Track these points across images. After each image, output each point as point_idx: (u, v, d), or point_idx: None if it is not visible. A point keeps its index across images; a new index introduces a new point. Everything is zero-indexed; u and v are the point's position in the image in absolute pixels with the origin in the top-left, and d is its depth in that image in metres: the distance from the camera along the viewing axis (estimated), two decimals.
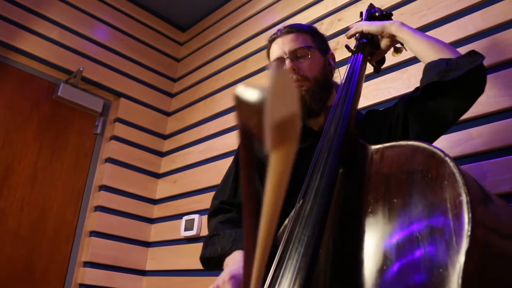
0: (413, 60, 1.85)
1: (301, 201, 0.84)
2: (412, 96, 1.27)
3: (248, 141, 0.33)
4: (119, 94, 3.09)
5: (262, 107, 0.27)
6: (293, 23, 1.46)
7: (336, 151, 0.87)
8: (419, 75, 1.79)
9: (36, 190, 2.65)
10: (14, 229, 2.51)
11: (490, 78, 1.58)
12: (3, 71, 2.66)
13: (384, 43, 1.37)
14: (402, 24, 1.32)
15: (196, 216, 2.62)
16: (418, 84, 1.77)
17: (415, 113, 1.23)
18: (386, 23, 1.33)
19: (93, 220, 2.78)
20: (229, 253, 1.19)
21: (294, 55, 1.34)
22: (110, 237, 2.79)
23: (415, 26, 1.90)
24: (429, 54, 1.22)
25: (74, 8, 2.96)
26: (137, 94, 3.17)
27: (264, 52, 2.64)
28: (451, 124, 1.21)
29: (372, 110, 1.44)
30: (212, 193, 2.54)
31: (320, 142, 0.98)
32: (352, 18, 2.22)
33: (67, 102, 2.86)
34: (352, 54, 1.36)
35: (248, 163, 0.35)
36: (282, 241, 0.79)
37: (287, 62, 1.32)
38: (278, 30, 1.42)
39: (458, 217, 0.61)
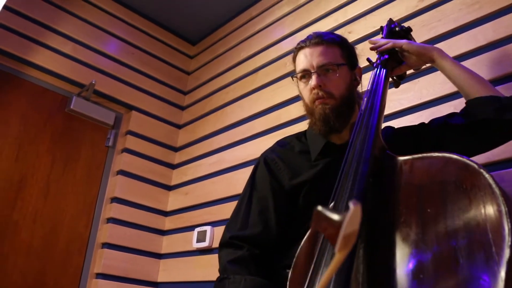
0: (424, 72, 1.87)
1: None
2: (450, 123, 1.31)
3: (315, 238, 0.50)
4: (130, 107, 3.12)
5: (339, 224, 0.41)
6: (323, 32, 1.40)
7: (365, 161, 0.87)
8: (430, 86, 1.83)
9: (49, 202, 2.67)
10: (27, 242, 2.53)
11: (501, 88, 1.60)
12: (17, 85, 2.70)
13: (413, 62, 1.38)
14: (442, 51, 1.34)
15: (208, 228, 2.63)
16: (430, 96, 1.81)
17: (454, 139, 1.27)
18: (428, 46, 1.35)
19: (105, 232, 2.79)
20: None
21: (322, 70, 1.31)
22: (122, 249, 2.80)
23: (425, 38, 1.93)
24: (471, 86, 1.27)
25: (86, 23, 3.00)
26: (148, 107, 3.21)
27: (274, 65, 2.71)
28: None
29: (393, 127, 1.46)
30: (223, 205, 2.61)
31: (346, 153, 0.98)
32: (362, 31, 2.24)
33: (80, 115, 2.90)
34: (374, 67, 1.36)
35: (311, 254, 0.52)
36: (315, 251, 0.79)
37: (314, 77, 1.30)
38: (307, 37, 1.38)
39: (497, 228, 0.62)
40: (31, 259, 2.53)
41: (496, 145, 1.28)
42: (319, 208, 0.47)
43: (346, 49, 1.38)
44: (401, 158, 0.88)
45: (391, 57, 1.39)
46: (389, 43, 1.36)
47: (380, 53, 1.39)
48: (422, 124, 1.43)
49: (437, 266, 0.67)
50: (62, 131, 2.83)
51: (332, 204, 0.89)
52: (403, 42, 1.35)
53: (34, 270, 2.52)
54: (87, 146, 2.93)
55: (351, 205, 0.43)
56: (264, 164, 1.42)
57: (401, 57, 1.40)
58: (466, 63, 1.74)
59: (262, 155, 1.48)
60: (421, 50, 1.33)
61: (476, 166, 0.72)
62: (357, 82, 1.41)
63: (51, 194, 2.69)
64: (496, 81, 1.64)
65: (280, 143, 1.49)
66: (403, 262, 0.73)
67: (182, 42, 3.61)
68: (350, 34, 2.32)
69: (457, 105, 1.71)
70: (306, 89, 1.34)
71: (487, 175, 0.69)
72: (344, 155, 1.26)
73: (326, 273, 0.44)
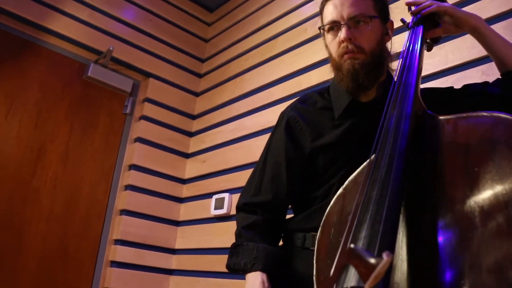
0: (450, 37, 1.80)
1: (371, 167, 0.81)
2: (489, 91, 1.27)
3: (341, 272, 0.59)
4: (148, 74, 3.10)
5: (372, 266, 0.49)
6: None
7: (407, 118, 0.84)
8: (456, 51, 1.78)
9: (68, 169, 2.69)
10: (48, 208, 2.56)
11: None
12: (35, 52, 2.69)
13: (451, 28, 1.31)
14: (484, 22, 1.29)
15: (226, 195, 2.63)
16: (456, 61, 1.76)
17: (493, 108, 1.23)
18: (472, 14, 1.28)
19: (124, 199, 2.81)
20: (250, 270, 1.21)
21: (352, 22, 1.21)
22: (140, 216, 2.83)
23: (456, 0, 1.85)
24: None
25: None
26: (165, 74, 3.18)
27: (295, 30, 2.65)
28: None
29: (425, 88, 1.40)
30: (242, 172, 2.60)
31: (385, 110, 0.94)
32: None
33: (97, 82, 2.88)
34: (408, 27, 1.30)
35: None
36: (357, 205, 0.76)
37: (344, 30, 1.21)
38: None
39: None
40: (52, 224, 2.56)
41: None
42: (353, 246, 0.53)
43: (379, 0, 1.29)
44: (443, 117, 0.85)
45: (427, 19, 1.31)
46: (434, 5, 1.25)
47: (418, 15, 1.31)
48: (452, 88, 1.37)
49: (487, 226, 0.65)
50: (80, 98, 2.82)
51: (373, 157, 0.85)
52: (447, 5, 1.26)
53: (55, 236, 2.56)
54: (105, 113, 2.92)
55: (385, 256, 0.48)
56: (284, 125, 1.38)
57: (438, 21, 1.33)
58: (498, 26, 1.68)
59: (282, 113, 1.43)
60: (465, 17, 1.26)
61: None
62: (389, 37, 1.32)
63: (70, 161, 2.70)
64: None
65: (301, 99, 1.43)
66: (448, 222, 0.71)
67: (200, 9, 3.55)
68: None
69: (485, 70, 1.65)
70: (334, 42, 1.25)
71: None
72: (370, 114, 1.24)
73: None
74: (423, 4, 1.26)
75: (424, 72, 1.86)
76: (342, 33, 1.21)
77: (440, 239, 0.70)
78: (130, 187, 2.84)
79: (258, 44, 2.94)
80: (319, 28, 1.32)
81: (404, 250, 0.74)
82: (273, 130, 1.44)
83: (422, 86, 1.81)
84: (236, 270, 1.27)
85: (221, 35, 3.37)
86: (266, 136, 1.76)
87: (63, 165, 2.67)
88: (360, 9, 1.22)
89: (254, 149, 2.57)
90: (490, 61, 1.64)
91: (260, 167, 1.40)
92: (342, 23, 1.22)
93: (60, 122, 2.71)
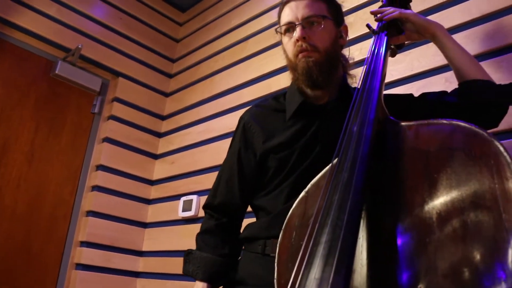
0: (416, 44, 1.84)
1: (333, 171, 0.83)
2: (446, 101, 1.30)
3: None
4: (117, 74, 3.06)
5: None
6: None
7: (370, 123, 0.86)
8: (422, 58, 1.81)
9: (33, 168, 2.63)
10: (11, 207, 2.50)
11: (494, 61, 1.58)
12: (0, 47, 2.62)
13: (413, 35, 1.37)
14: (445, 29, 1.35)
15: (194, 197, 2.62)
16: (421, 68, 1.79)
17: (449, 116, 1.27)
18: (433, 22, 1.34)
19: (90, 200, 2.77)
20: (195, 277, 1.34)
21: (306, 22, 1.27)
22: (107, 217, 2.79)
23: (418, 9, 1.89)
24: (468, 68, 1.29)
25: None
26: (135, 73, 3.15)
27: (265, 33, 2.66)
28: None
29: (388, 94, 1.43)
30: (210, 174, 2.59)
31: (348, 114, 0.96)
32: (356, 0, 2.19)
33: (65, 80, 2.83)
34: (374, 33, 1.34)
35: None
36: (318, 209, 0.78)
37: (298, 29, 1.26)
38: None
39: (508, 195, 0.63)
40: (15, 224, 2.50)
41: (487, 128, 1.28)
42: None
43: (333, 5, 1.36)
44: (405, 123, 0.88)
45: (392, 26, 1.36)
46: (396, 11, 1.33)
47: (382, 21, 1.37)
48: (412, 95, 1.41)
49: (444, 231, 0.67)
50: (47, 96, 2.76)
51: (336, 160, 0.87)
52: (410, 12, 1.34)
53: (18, 236, 2.50)
54: (73, 112, 2.87)
55: None
56: (241, 130, 1.45)
57: (402, 28, 1.37)
58: (459, 35, 1.72)
59: (240, 117, 1.49)
60: (425, 24, 1.32)
61: (485, 134, 0.72)
62: (343, 40, 1.38)
63: (36, 160, 2.64)
64: (488, 55, 1.62)
65: (257, 104, 1.51)
66: (408, 227, 0.72)
67: (171, 9, 3.53)
68: (344, 3, 2.24)
69: (448, 77, 1.69)
70: (290, 42, 1.31)
71: (497, 143, 0.69)
72: (322, 116, 1.30)
73: None
74: (388, 11, 1.34)
75: (389, 78, 1.90)
76: (297, 32, 1.27)
77: (399, 243, 0.72)
78: (97, 188, 2.80)
79: (229, 45, 2.94)
80: (276, 30, 1.37)
81: (364, 255, 0.75)
82: (233, 136, 1.51)
83: (386, 92, 1.85)
84: (189, 276, 1.37)
85: (192, 36, 3.36)
86: None
87: (28, 164, 2.61)
88: (313, 10, 1.29)
89: (222, 151, 2.53)
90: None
91: (220, 171, 1.50)
92: (296, 23, 1.27)
93: (25, 120, 2.64)
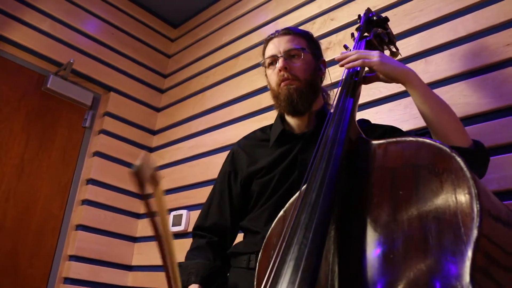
0: (405, 60, 1.88)
1: (304, 191, 0.85)
2: None
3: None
4: (109, 88, 3.07)
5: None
6: (291, 26, 1.55)
7: (340, 143, 0.89)
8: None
9: (23, 182, 2.62)
10: None
11: (480, 79, 1.62)
12: None
13: (382, 78, 1.27)
14: (417, 78, 1.22)
15: (184, 212, 2.62)
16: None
17: None
18: (401, 71, 1.22)
19: (80, 214, 2.76)
20: (188, 285, 1.33)
21: (288, 55, 1.40)
22: (97, 231, 2.78)
23: (406, 27, 1.93)
24: (438, 128, 1.18)
25: (65, 0, 2.94)
26: (127, 88, 3.16)
27: (256, 50, 2.69)
28: None
29: (361, 119, 1.50)
30: (201, 189, 2.60)
31: (321, 134, 1.00)
32: (345, 18, 2.24)
33: (56, 95, 2.84)
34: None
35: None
36: (286, 229, 0.80)
37: (280, 60, 1.38)
38: (276, 31, 1.50)
39: (467, 209, 0.64)
40: (3, 238, 2.48)
41: None
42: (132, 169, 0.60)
43: (312, 42, 1.49)
44: (375, 142, 0.90)
45: (369, 45, 1.42)
46: (359, 60, 1.22)
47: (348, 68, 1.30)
48: (393, 127, 1.42)
49: (407, 246, 0.69)
50: (38, 110, 2.77)
51: (304, 186, 0.90)
52: (374, 61, 1.21)
53: (5, 250, 2.48)
54: (64, 126, 2.88)
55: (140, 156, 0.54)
56: (230, 157, 1.58)
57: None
58: (445, 54, 1.76)
59: (232, 148, 1.62)
60: (392, 74, 1.21)
61: (448, 150, 0.74)
62: (322, 72, 1.50)
63: (25, 173, 2.64)
64: (474, 73, 1.66)
65: (246, 136, 1.64)
66: (374, 243, 0.74)
67: (164, 25, 3.56)
68: (333, 21, 2.31)
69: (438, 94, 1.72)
70: (273, 74, 1.42)
71: (458, 159, 0.71)
72: (302, 143, 1.38)
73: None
74: (349, 58, 1.24)
75: (378, 95, 1.93)
76: (279, 63, 1.38)
77: (366, 259, 0.73)
78: (87, 202, 2.79)
79: (220, 62, 2.97)
80: (261, 64, 1.50)
81: (335, 270, 0.77)
82: (224, 162, 1.62)
83: (375, 109, 1.89)
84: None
85: (184, 51, 3.39)
86: (225, 154, 1.80)
87: (17, 177, 2.60)
88: (293, 44, 1.42)
89: (213, 166, 2.58)
90: (440, 85, 1.73)
91: (210, 195, 1.58)
92: (279, 55, 1.39)
93: (16, 133, 2.64)
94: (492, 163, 1.47)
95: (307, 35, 1.50)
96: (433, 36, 1.83)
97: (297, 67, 1.39)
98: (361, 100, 1.97)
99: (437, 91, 1.71)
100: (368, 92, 1.96)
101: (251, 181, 1.45)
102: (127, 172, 2.99)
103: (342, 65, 1.26)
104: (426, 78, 1.78)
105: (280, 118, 1.50)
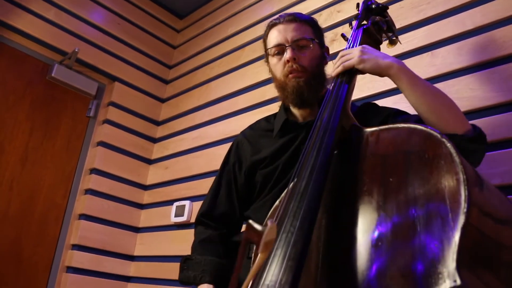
0: (411, 54, 1.86)
1: (295, 179, 0.85)
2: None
3: (247, 245, 0.62)
4: (113, 78, 3.07)
5: (261, 234, 0.56)
6: (296, 12, 1.46)
7: (331, 131, 0.89)
8: (416, 67, 1.82)
9: (27, 170, 2.63)
10: (3, 209, 2.49)
11: (487, 73, 1.60)
12: None
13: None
14: (401, 69, 1.17)
15: (187, 202, 2.62)
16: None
17: None
18: (384, 64, 1.17)
19: (83, 203, 2.76)
20: (199, 283, 1.29)
21: (296, 45, 1.34)
22: (100, 221, 2.78)
23: (413, 20, 1.91)
24: (427, 116, 1.13)
25: None
26: (132, 79, 3.16)
27: (261, 41, 2.65)
28: None
29: (367, 102, 1.47)
30: (204, 180, 2.60)
31: (314, 123, 1.00)
32: (351, 10, 2.22)
33: (61, 84, 2.84)
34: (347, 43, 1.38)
35: (242, 254, 0.63)
36: (275, 215, 0.80)
37: (289, 51, 1.33)
38: (279, 16, 1.43)
39: (455, 195, 0.63)
40: (6, 227, 2.49)
41: None
42: (250, 221, 0.58)
43: (317, 29, 1.44)
44: (368, 129, 0.89)
45: (366, 33, 1.40)
46: (340, 66, 1.22)
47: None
48: (393, 110, 1.38)
49: (396, 233, 0.68)
50: (43, 99, 2.77)
51: (296, 172, 0.89)
52: (353, 61, 1.19)
53: (9, 238, 2.49)
54: (68, 115, 2.88)
55: (269, 223, 0.53)
56: (234, 147, 1.55)
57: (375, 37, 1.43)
58: (452, 47, 1.74)
59: (235, 139, 1.60)
60: (373, 70, 1.19)
61: (438, 135, 0.73)
62: (326, 60, 1.45)
63: (29, 162, 2.64)
64: (480, 66, 1.64)
65: (250, 126, 1.61)
66: (363, 231, 0.73)
67: (170, 16, 3.55)
68: (340, 13, 2.30)
69: (441, 88, 1.66)
70: (279, 63, 1.37)
71: (448, 144, 0.70)
72: (306, 133, 1.30)
73: (252, 269, 0.58)
74: (335, 64, 1.25)
75: (383, 88, 1.91)
76: (288, 54, 1.32)
77: (355, 247, 0.73)
78: (90, 191, 2.80)
79: (225, 53, 2.96)
80: (266, 51, 1.45)
81: (325, 259, 0.77)
82: (227, 152, 1.59)
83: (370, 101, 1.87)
84: (187, 283, 1.35)
85: (189, 42, 3.38)
86: (228, 145, 1.79)
87: (21, 166, 2.61)
88: (302, 33, 1.36)
89: (217, 158, 2.57)
90: (446, 79, 1.71)
91: (215, 185, 1.54)
92: (286, 45, 1.34)
93: (20, 122, 2.65)
94: (496, 157, 1.47)
95: (312, 22, 1.44)
96: (440, 29, 1.81)
97: (305, 58, 1.34)
98: (366, 93, 1.97)
99: (443, 84, 1.70)
100: (373, 84, 1.94)
101: (254, 171, 1.43)
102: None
103: (333, 74, 1.25)
104: (433, 71, 1.77)
105: (284, 107, 1.46)
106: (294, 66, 1.32)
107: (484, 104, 1.57)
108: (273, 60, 1.40)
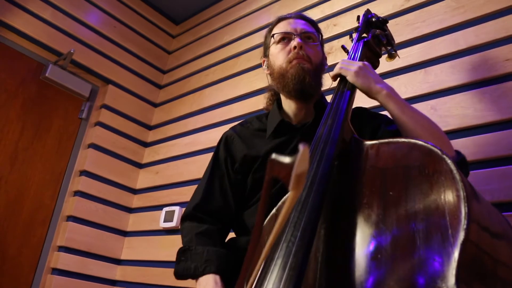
0: (405, 70, 1.89)
1: None
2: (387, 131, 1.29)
3: (271, 183, 0.51)
4: (107, 81, 3.07)
5: (291, 165, 0.45)
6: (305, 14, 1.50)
7: (333, 143, 0.90)
8: (410, 83, 1.86)
9: (16, 170, 2.61)
10: None
11: (478, 92, 1.63)
12: None
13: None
14: (389, 95, 1.19)
15: (176, 208, 2.62)
16: (408, 94, 1.84)
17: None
18: (375, 86, 1.20)
19: (71, 205, 2.75)
20: (202, 274, 1.21)
21: (304, 36, 1.38)
22: (87, 223, 2.77)
23: (408, 37, 1.95)
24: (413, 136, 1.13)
25: None
26: (125, 82, 3.16)
27: (257, 51, 2.70)
28: None
29: (358, 107, 1.45)
30: (194, 186, 2.56)
31: (316, 134, 1.00)
32: (348, 24, 2.25)
33: (54, 84, 2.83)
34: (347, 55, 1.40)
35: (266, 197, 0.54)
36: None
37: (297, 38, 1.34)
38: (289, 14, 1.47)
39: (455, 211, 0.64)
40: None
41: None
42: (273, 156, 0.49)
43: (321, 35, 1.49)
44: (368, 142, 0.90)
45: (366, 46, 1.42)
46: (338, 70, 1.26)
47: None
48: (381, 119, 1.38)
49: (395, 247, 0.69)
50: (35, 98, 2.76)
51: None
52: (349, 71, 1.22)
53: None
54: (60, 116, 2.87)
55: (300, 147, 0.44)
56: (223, 141, 1.49)
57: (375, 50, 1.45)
58: (445, 65, 1.78)
59: (223, 133, 1.54)
60: (366, 89, 1.21)
61: (439, 152, 0.74)
62: (324, 67, 1.45)
63: (19, 161, 2.63)
64: (472, 85, 1.67)
65: (241, 123, 1.55)
66: (362, 243, 0.74)
67: (166, 21, 3.57)
68: (336, 26, 2.33)
69: (433, 105, 1.74)
70: (283, 51, 1.37)
71: (449, 161, 0.71)
72: (300, 135, 1.33)
73: (283, 211, 0.48)
74: (336, 67, 1.28)
75: (376, 102, 1.93)
76: (296, 41, 1.33)
77: (354, 259, 0.73)
78: (80, 193, 2.78)
79: (220, 61, 2.98)
80: (272, 35, 1.43)
81: (323, 272, 0.77)
82: (216, 147, 1.53)
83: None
84: (185, 276, 1.27)
85: (184, 49, 3.39)
86: None
87: (10, 165, 2.59)
88: (311, 29, 1.40)
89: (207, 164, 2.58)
90: (439, 96, 1.75)
91: (206, 180, 1.46)
92: (295, 34, 1.36)
93: (11, 121, 2.63)
94: (486, 175, 1.50)
95: (318, 28, 1.49)
96: (434, 47, 1.84)
97: (311, 50, 1.36)
98: (371, 103, 1.99)
99: (435, 101, 1.74)
100: (366, 98, 1.96)
101: (246, 170, 1.38)
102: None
103: (330, 75, 1.30)
104: (426, 88, 1.80)
105: (278, 106, 1.44)
106: (301, 53, 1.32)
107: (475, 122, 1.60)
108: (276, 48, 1.40)
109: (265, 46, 1.49)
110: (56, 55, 2.83)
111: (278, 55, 1.37)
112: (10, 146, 2.60)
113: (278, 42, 1.39)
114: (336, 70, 1.26)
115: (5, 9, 2.61)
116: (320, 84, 1.38)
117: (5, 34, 2.66)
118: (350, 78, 1.21)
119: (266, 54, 1.48)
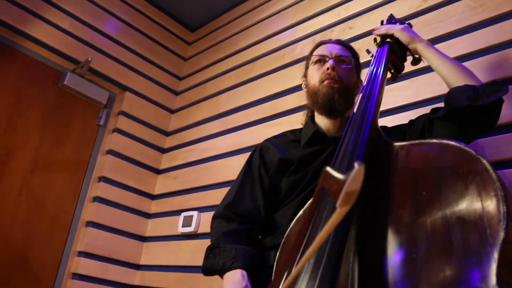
0: (423, 71, 1.88)
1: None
2: (432, 117, 1.34)
3: (320, 195, 0.53)
4: (124, 88, 3.10)
5: (343, 182, 0.43)
6: (343, 40, 1.63)
7: (362, 144, 0.90)
8: (428, 85, 1.85)
9: (36, 176, 2.65)
10: (12, 214, 2.51)
11: None
12: (12, 56, 2.67)
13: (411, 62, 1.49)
14: (429, 44, 1.42)
15: (195, 213, 2.63)
16: (427, 94, 1.83)
17: (437, 131, 1.31)
18: (416, 37, 1.43)
19: (91, 211, 2.78)
20: (230, 269, 1.25)
21: (338, 60, 1.48)
22: (107, 229, 2.79)
23: (426, 38, 1.92)
24: (452, 76, 1.33)
25: (87, 0, 2.98)
26: (142, 89, 3.19)
27: (273, 55, 2.72)
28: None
29: (387, 127, 1.53)
30: (212, 191, 2.61)
31: (343, 135, 1.01)
32: (363, 27, 2.25)
33: (73, 92, 2.87)
34: (371, 57, 1.43)
35: (313, 208, 0.57)
36: (307, 230, 0.80)
37: (331, 60, 1.46)
38: (328, 39, 1.63)
39: (493, 211, 0.64)
40: (15, 232, 2.50)
41: (473, 134, 1.29)
42: (328, 168, 0.50)
43: (357, 60, 1.58)
44: (398, 144, 0.90)
45: (391, 49, 1.44)
46: (382, 28, 1.51)
47: (377, 45, 1.52)
48: (410, 121, 1.49)
49: (430, 248, 0.68)
50: (54, 106, 2.80)
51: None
52: (396, 29, 1.46)
53: (17, 243, 2.50)
54: (78, 123, 2.90)
55: (356, 165, 0.43)
56: (258, 150, 1.58)
57: (397, 50, 1.49)
58: (465, 65, 1.76)
59: (258, 144, 1.63)
60: (409, 39, 1.43)
61: (473, 152, 0.74)
62: (358, 89, 1.53)
63: (39, 168, 2.66)
64: None
65: (275, 136, 1.65)
66: (395, 244, 0.73)
67: (181, 28, 3.60)
68: (351, 29, 2.33)
69: None
70: (317, 71, 1.49)
71: (484, 161, 0.71)
72: (334, 147, 1.33)
73: (326, 226, 0.46)
74: (376, 27, 1.56)
75: (395, 104, 1.93)
76: (329, 63, 1.44)
77: (387, 259, 0.73)
78: (98, 199, 2.81)
79: (236, 66, 2.99)
80: (309, 56, 1.58)
81: (356, 273, 0.77)
82: (248, 158, 1.61)
83: (391, 118, 1.90)
84: (213, 271, 1.31)
85: (200, 55, 3.42)
86: (238, 157, 1.81)
87: (31, 172, 2.63)
88: (345, 53, 1.53)
89: (225, 169, 2.59)
90: None
91: (238, 184, 1.53)
92: (329, 57, 1.47)
93: (31, 129, 2.67)
94: (505, 175, 1.48)
95: (355, 53, 1.59)
96: (452, 47, 1.83)
97: (343, 71, 1.46)
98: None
99: None
100: (385, 100, 1.95)
101: (281, 173, 1.46)
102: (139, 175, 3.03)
103: (375, 33, 1.54)
104: (445, 89, 1.77)
105: (311, 120, 1.54)
106: (332, 74, 1.43)
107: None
108: (312, 69, 1.52)
109: (306, 66, 1.60)
110: (74, 63, 2.87)
111: (314, 75, 1.50)
112: (30, 153, 2.64)
113: (315, 63, 1.52)
114: (382, 30, 1.49)
115: (25, 20, 2.65)
116: (350, 102, 1.46)
117: (25, 43, 2.71)
118: (397, 33, 1.43)
119: (305, 74, 1.59)
